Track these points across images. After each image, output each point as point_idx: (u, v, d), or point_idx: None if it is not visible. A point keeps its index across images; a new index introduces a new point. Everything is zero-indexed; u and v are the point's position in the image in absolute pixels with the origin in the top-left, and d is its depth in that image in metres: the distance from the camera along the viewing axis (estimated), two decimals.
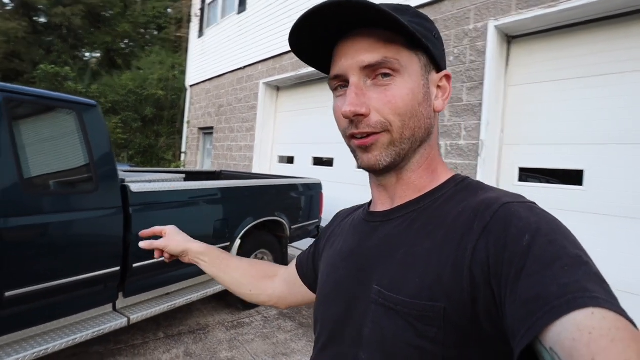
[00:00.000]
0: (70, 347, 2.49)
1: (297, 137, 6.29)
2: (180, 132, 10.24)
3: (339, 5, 0.46)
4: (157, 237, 0.89)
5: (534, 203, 0.46)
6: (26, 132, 2.06)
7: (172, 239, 0.85)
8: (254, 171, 6.72)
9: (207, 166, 8.72)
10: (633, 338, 0.30)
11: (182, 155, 9.66)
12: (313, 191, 4.25)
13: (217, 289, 3.03)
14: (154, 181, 2.65)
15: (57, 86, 11.64)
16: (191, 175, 4.61)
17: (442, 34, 3.76)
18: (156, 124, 13.18)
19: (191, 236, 0.88)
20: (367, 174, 0.60)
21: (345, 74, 0.52)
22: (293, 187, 3.94)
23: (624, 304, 0.34)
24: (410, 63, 0.51)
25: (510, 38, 3.53)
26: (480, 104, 3.46)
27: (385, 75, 0.50)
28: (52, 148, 2.18)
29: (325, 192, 4.45)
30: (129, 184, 2.41)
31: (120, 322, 2.30)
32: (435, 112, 0.56)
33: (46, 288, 2.00)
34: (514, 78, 3.53)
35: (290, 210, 3.84)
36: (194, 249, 0.84)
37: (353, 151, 0.55)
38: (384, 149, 0.52)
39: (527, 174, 3.44)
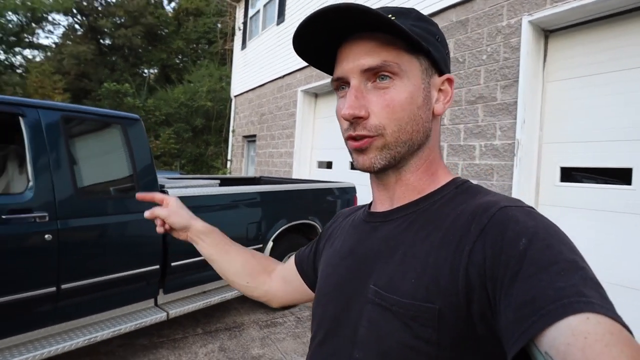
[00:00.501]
0: (118, 338, 2.76)
1: (334, 142, 6.38)
2: (226, 141, 10.72)
3: (337, 11, 0.48)
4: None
5: (532, 208, 0.46)
6: (79, 145, 2.33)
7: (175, 212, 0.82)
8: (293, 176, 6.90)
9: (251, 172, 9.06)
10: (627, 343, 0.30)
11: (228, 163, 10.11)
12: (348, 195, 4.31)
13: None
14: (190, 187, 2.86)
15: (118, 102, 12.67)
16: (233, 181, 4.85)
17: (474, 33, 3.71)
18: (205, 133, 13.90)
19: None
20: None
21: (346, 77, 0.53)
22: (325, 191, 4.02)
23: None
24: (411, 67, 0.52)
25: (547, 32, 3.39)
26: (515, 102, 3.34)
27: (385, 78, 0.51)
28: (101, 157, 2.44)
29: (361, 195, 4.49)
30: (168, 189, 2.63)
31: (160, 316, 2.51)
32: (435, 115, 0.56)
33: (96, 282, 2.25)
34: (552, 74, 3.37)
35: (324, 214, 3.92)
36: (197, 226, 0.82)
37: (350, 152, 0.56)
38: (378, 151, 0.53)
39: (571, 174, 3.26)
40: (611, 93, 2.97)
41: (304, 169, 7.00)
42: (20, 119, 2.07)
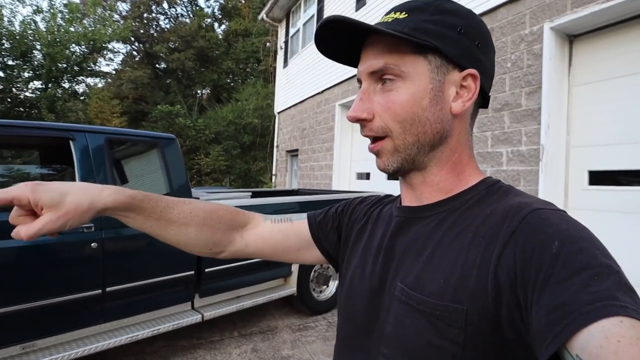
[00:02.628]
0: (161, 339, 3.08)
1: (372, 154, 6.48)
2: (272, 156, 11.17)
3: (336, 24, 0.51)
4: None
5: (565, 211, 0.45)
6: (121, 163, 2.69)
7: (66, 211, 0.55)
8: (333, 188, 7.09)
9: (294, 186, 9.37)
10: None
11: (273, 177, 10.52)
12: None
13: (282, 293, 3.40)
14: (221, 198, 3.13)
15: (171, 122, 13.63)
16: (272, 194, 5.14)
17: (499, 41, 3.72)
18: (253, 149, 14.51)
19: None
20: None
21: (360, 78, 0.55)
22: None
23: None
24: (415, 67, 0.51)
25: (571, 37, 3.33)
26: (540, 108, 3.30)
27: (390, 80, 0.51)
28: (140, 173, 2.79)
29: None
30: None
31: (195, 317, 2.79)
32: (455, 115, 0.53)
33: (136, 286, 2.57)
34: (578, 78, 3.30)
35: None
36: (109, 204, 0.59)
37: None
38: (390, 155, 0.54)
39: (600, 177, 3.15)
40: (638, 95, 2.86)
41: (344, 180, 7.17)
42: (71, 142, 2.41)
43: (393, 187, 5.70)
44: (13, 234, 0.53)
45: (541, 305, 0.36)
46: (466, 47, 0.52)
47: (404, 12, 0.52)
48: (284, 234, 0.74)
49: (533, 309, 0.37)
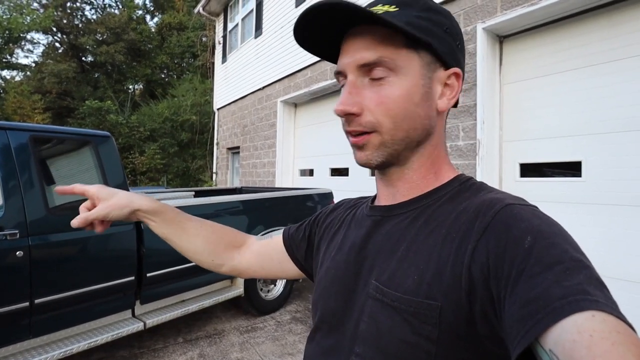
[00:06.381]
0: (98, 351, 2.83)
1: (315, 150, 6.52)
2: (212, 154, 10.81)
3: (331, 8, 0.48)
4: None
5: (536, 207, 0.46)
6: (50, 163, 2.42)
7: (111, 203, 0.71)
8: (276, 185, 7.02)
9: (236, 184, 9.14)
10: (633, 342, 0.30)
11: (214, 175, 10.18)
12: (327, 200, 4.43)
13: (228, 295, 3.27)
14: (164, 199, 2.95)
15: (101, 119, 12.69)
16: (213, 193, 4.95)
17: None
18: (191, 147, 13.96)
19: None
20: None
21: (344, 71, 0.52)
22: (302, 197, 4.14)
23: (623, 293, 0.39)
24: (408, 62, 0.50)
25: (501, 38, 3.58)
26: (475, 105, 3.51)
27: (381, 74, 0.50)
28: (72, 174, 2.53)
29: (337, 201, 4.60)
30: None
31: (137, 326, 2.59)
32: (439, 112, 0.54)
33: (70, 296, 2.32)
34: (508, 76, 3.56)
35: (301, 219, 4.02)
36: (143, 206, 0.73)
37: (352, 147, 0.56)
38: (375, 149, 0.52)
39: (529, 169, 3.43)
40: (561, 92, 3.16)
41: (287, 177, 7.12)
42: None
43: (336, 182, 5.77)
44: (73, 221, 0.70)
45: (514, 300, 0.36)
46: (451, 46, 0.52)
47: (393, 5, 0.51)
48: (267, 249, 0.79)
49: (506, 304, 0.37)
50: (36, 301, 2.17)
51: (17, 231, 2.12)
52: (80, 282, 2.37)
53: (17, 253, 2.11)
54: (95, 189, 0.73)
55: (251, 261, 0.79)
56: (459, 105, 3.67)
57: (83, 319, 2.43)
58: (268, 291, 3.81)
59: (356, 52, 0.51)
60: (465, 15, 3.63)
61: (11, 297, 2.11)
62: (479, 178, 3.45)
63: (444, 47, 0.52)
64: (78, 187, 0.72)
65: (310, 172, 6.74)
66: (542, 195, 3.24)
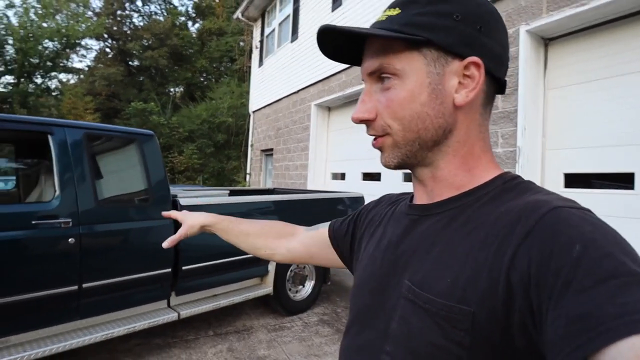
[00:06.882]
0: (135, 337, 2.96)
1: (347, 154, 6.53)
2: (246, 155, 11.06)
3: (327, 32, 0.52)
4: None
5: (589, 210, 0.42)
6: (100, 158, 2.58)
7: (186, 225, 0.93)
8: (308, 188, 7.07)
9: (269, 185, 9.29)
10: None
11: (247, 176, 10.40)
12: (358, 204, 4.43)
13: (258, 293, 3.34)
14: (200, 196, 3.06)
15: (144, 120, 13.31)
16: (248, 193, 5.06)
17: None
18: (227, 148, 14.34)
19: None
20: (410, 185, 0.62)
21: (363, 79, 0.55)
22: (334, 200, 4.16)
23: None
24: (409, 63, 0.50)
25: (547, 40, 3.46)
26: (516, 110, 3.41)
27: (387, 79, 0.51)
28: (119, 168, 2.69)
29: None
30: (180, 199, 2.84)
31: (172, 316, 2.70)
32: (457, 106, 0.51)
33: (113, 283, 2.46)
34: (553, 81, 3.43)
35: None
36: (206, 222, 0.93)
37: None
38: (390, 150, 0.54)
39: (575, 180, 3.27)
40: (612, 98, 3.00)
41: (319, 180, 7.17)
42: (49, 137, 2.34)
43: (367, 187, 5.75)
44: (164, 243, 0.91)
45: (559, 314, 0.33)
46: (465, 33, 0.49)
47: (397, 9, 0.51)
48: (313, 241, 0.85)
49: (549, 317, 0.34)
50: (84, 285, 2.33)
51: (70, 220, 2.29)
52: (123, 270, 2.51)
53: (70, 240, 2.27)
54: (180, 215, 0.99)
55: (300, 249, 0.86)
56: (498, 111, 3.57)
57: (123, 305, 2.57)
58: (296, 292, 3.84)
59: (365, 62, 0.54)
60: (507, 17, 3.54)
61: (63, 280, 2.28)
62: None
63: (452, 38, 0.49)
64: (173, 214, 1.02)
65: (342, 176, 6.75)
66: (589, 208, 3.08)
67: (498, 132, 3.58)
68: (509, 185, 0.51)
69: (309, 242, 0.85)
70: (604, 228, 0.38)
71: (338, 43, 0.55)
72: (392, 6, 0.53)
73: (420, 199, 0.58)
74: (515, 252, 0.40)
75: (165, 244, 0.90)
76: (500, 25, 0.53)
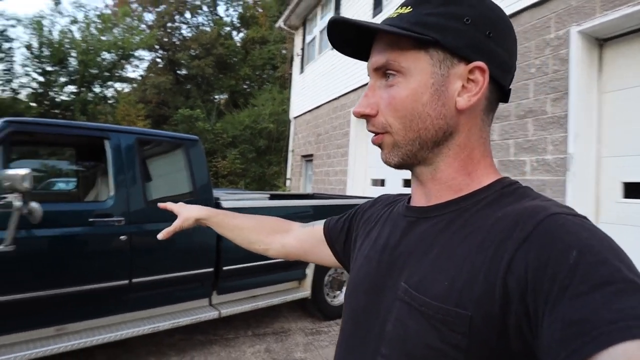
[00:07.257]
0: (179, 332, 3.09)
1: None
2: (287, 161, 11.24)
3: (336, 24, 0.52)
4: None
5: (586, 217, 0.42)
6: (150, 161, 2.75)
7: (181, 217, 0.92)
8: (347, 193, 7.07)
9: (308, 190, 9.38)
10: None
11: (287, 182, 10.56)
12: None
13: (296, 296, 3.38)
14: (242, 199, 3.16)
15: (191, 126, 13.93)
16: (288, 197, 5.16)
17: (522, 46, 3.67)
18: (268, 154, 14.68)
19: None
20: None
21: (368, 74, 0.56)
22: None
23: None
24: (415, 62, 0.50)
25: (601, 41, 3.27)
26: (566, 115, 3.24)
27: (392, 76, 0.51)
28: (166, 170, 2.84)
29: None
30: (222, 201, 2.95)
31: (213, 314, 2.80)
32: (459, 110, 0.51)
33: (160, 279, 2.61)
34: (609, 83, 3.23)
35: None
36: (201, 215, 0.92)
37: None
38: (390, 149, 0.53)
39: (635, 189, 3.03)
40: None
41: (358, 186, 7.14)
42: (105, 141, 2.53)
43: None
44: (159, 235, 0.92)
45: (555, 319, 0.33)
46: (473, 38, 0.49)
47: (409, 7, 0.51)
48: (308, 236, 0.85)
49: (545, 321, 0.34)
50: (134, 280, 2.48)
51: (123, 219, 2.46)
52: (169, 268, 2.66)
53: (122, 237, 2.45)
54: (175, 207, 0.98)
55: (294, 245, 0.86)
56: (547, 116, 3.41)
57: (169, 301, 2.71)
58: (334, 296, 3.84)
59: (372, 57, 0.54)
60: (557, 18, 3.38)
61: (116, 274, 2.45)
62: (569, 197, 3.15)
63: (460, 41, 0.49)
64: (169, 205, 1.00)
65: (382, 182, 6.69)
66: None
67: (547, 139, 3.41)
68: (507, 190, 0.51)
69: (304, 238, 0.85)
70: (600, 235, 0.38)
71: (348, 36, 0.55)
72: (404, 4, 0.53)
73: (418, 201, 0.58)
74: (513, 257, 0.40)
75: (160, 236, 0.91)
76: (511, 32, 0.53)
